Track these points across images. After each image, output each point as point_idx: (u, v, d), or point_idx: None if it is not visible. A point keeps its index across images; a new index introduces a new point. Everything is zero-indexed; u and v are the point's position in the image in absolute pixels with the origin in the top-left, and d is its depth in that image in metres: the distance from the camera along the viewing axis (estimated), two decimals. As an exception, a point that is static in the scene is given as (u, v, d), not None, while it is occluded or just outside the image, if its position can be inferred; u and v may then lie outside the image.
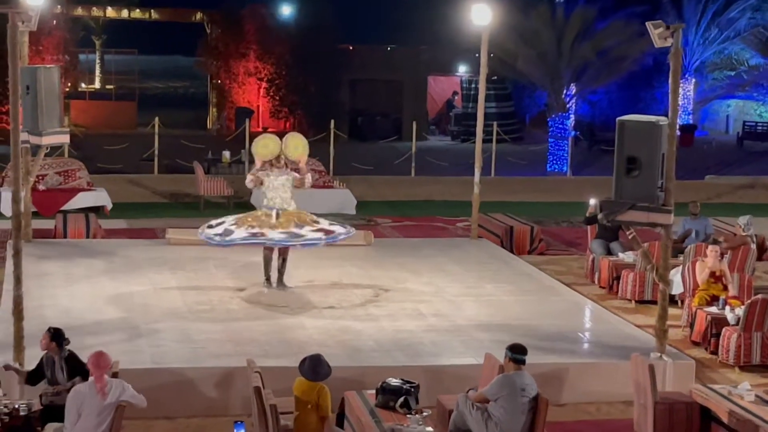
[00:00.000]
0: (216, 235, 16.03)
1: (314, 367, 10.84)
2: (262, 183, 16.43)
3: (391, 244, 21.12)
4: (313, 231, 16.04)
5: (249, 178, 16.65)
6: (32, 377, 11.50)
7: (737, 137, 44.13)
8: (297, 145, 16.67)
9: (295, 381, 10.93)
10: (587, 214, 19.43)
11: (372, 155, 35.52)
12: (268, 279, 16.65)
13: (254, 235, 15.81)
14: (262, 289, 16.56)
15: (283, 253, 16.56)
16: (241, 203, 25.54)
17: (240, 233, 15.89)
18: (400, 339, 14.42)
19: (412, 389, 11.30)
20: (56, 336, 11.30)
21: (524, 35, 34.97)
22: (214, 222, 16.49)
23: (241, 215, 16.49)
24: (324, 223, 16.39)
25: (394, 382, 11.39)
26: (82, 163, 25.91)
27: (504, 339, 12.91)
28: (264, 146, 16.56)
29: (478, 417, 10.74)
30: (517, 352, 10.77)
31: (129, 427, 11.43)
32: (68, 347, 11.38)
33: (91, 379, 10.41)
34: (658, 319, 13.71)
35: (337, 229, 16.32)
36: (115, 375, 10.78)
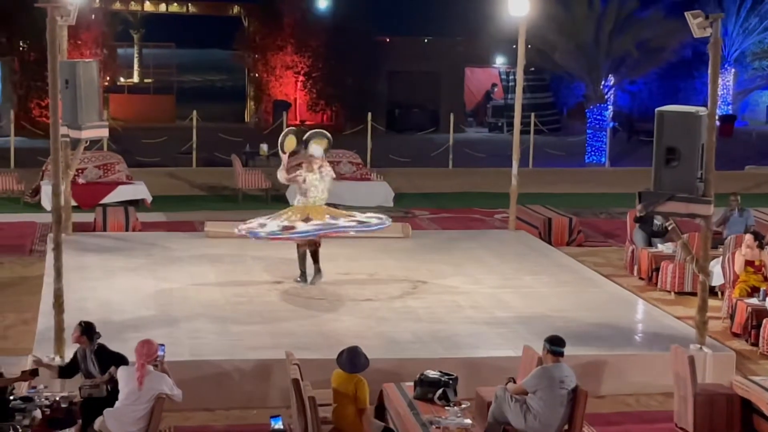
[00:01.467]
0: (250, 228, 16.12)
1: (352, 359, 10.86)
2: (304, 181, 16.37)
3: (429, 236, 21.11)
4: (347, 221, 16.10)
5: (282, 175, 16.60)
6: (65, 371, 11.55)
7: (777, 127, 43.84)
8: (321, 144, 16.58)
9: (333, 373, 10.96)
10: (637, 213, 19.21)
11: (409, 147, 35.50)
12: (303, 274, 16.66)
13: (285, 228, 15.84)
14: (297, 284, 16.59)
15: (314, 244, 16.54)
16: (278, 196, 25.62)
17: (272, 226, 15.95)
18: (438, 331, 14.41)
19: (451, 381, 11.29)
20: (87, 330, 11.34)
21: (562, 26, 34.84)
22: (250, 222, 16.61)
23: (276, 213, 16.55)
24: (358, 216, 16.40)
25: (433, 374, 11.39)
26: (121, 157, 26.08)
27: (542, 331, 12.88)
28: (291, 142, 16.59)
29: (516, 409, 10.72)
30: (555, 344, 10.75)
31: (168, 418, 11.50)
32: (101, 341, 11.41)
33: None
34: (698, 310, 13.63)
35: (372, 220, 16.34)
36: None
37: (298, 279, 16.66)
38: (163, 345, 11.00)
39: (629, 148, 37.84)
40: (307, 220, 15.96)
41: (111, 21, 42.68)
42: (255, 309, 15.34)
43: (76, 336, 11.36)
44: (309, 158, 16.38)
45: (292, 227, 15.89)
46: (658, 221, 18.12)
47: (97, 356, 11.22)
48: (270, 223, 16.12)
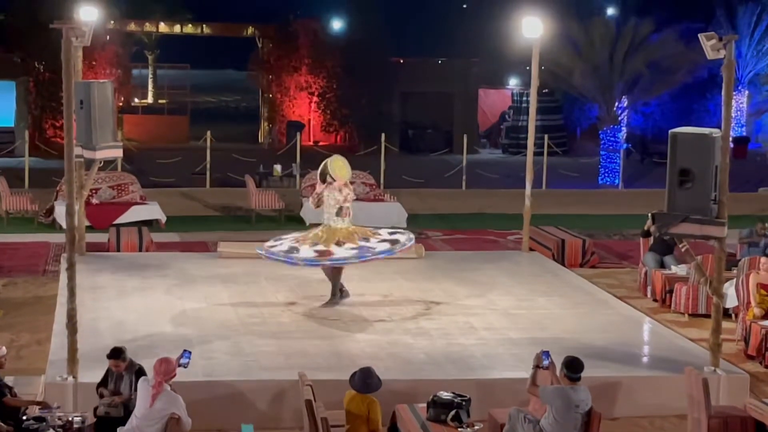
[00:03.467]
0: (282, 252, 16.08)
1: (364, 379, 10.86)
2: (322, 201, 16.44)
3: (442, 257, 21.09)
4: (380, 242, 16.10)
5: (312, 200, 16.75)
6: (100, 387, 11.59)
7: (791, 149, 43.75)
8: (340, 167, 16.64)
9: (345, 394, 10.94)
10: (645, 227, 19.21)
11: (423, 168, 35.54)
12: (341, 290, 16.66)
13: (321, 254, 15.80)
14: (334, 303, 16.55)
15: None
16: (292, 216, 25.64)
17: (306, 252, 15.90)
18: (452, 352, 14.39)
19: (464, 402, 11.27)
20: (117, 355, 11.37)
21: (576, 48, 34.93)
22: (273, 241, 16.60)
23: (300, 234, 16.57)
24: (384, 234, 16.43)
25: (446, 395, 11.37)
26: (135, 177, 26.14)
27: (556, 352, 12.75)
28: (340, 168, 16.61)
29: (530, 430, 10.69)
30: (571, 370, 10.65)
31: (181, 439, 11.48)
32: (129, 355, 11.48)
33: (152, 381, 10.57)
34: (711, 332, 13.60)
35: (401, 237, 16.38)
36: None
37: (334, 299, 16.64)
38: (189, 351, 10.98)
39: (643, 170, 37.81)
40: (339, 243, 15.93)
41: (126, 42, 42.86)
42: (268, 329, 15.34)
43: (119, 366, 11.39)
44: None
45: (329, 252, 15.85)
46: None
47: (137, 378, 11.18)
48: (302, 247, 16.05)
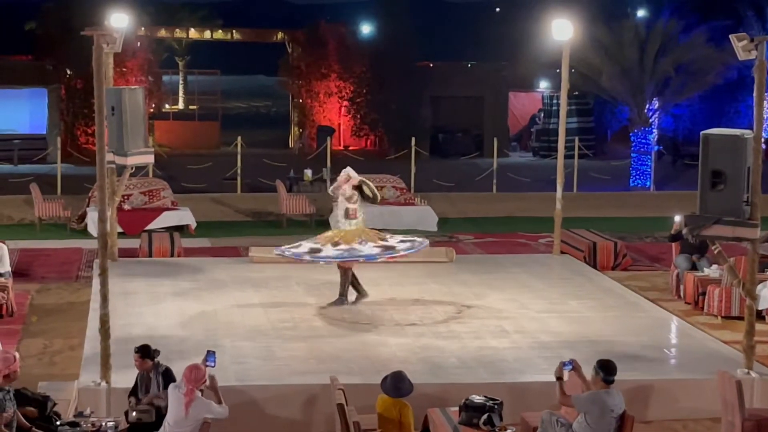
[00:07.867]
0: (287, 248, 16.33)
1: (396, 383, 10.85)
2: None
3: (473, 261, 21.07)
4: (374, 246, 16.11)
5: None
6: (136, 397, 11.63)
7: (825, 150, 43.40)
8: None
9: (377, 398, 10.94)
10: (672, 232, 19.14)
11: (453, 172, 35.48)
12: (359, 293, 16.69)
13: (312, 251, 15.94)
14: (351, 306, 16.60)
15: (347, 268, 16.63)
16: (322, 221, 25.64)
17: (303, 248, 16.09)
18: (483, 356, 14.37)
19: (496, 406, 11.23)
20: (145, 353, 11.43)
21: (606, 50, 34.80)
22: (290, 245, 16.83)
23: (319, 236, 16.69)
24: (391, 240, 16.41)
25: (478, 399, 11.34)
26: (166, 183, 26.23)
27: (588, 356, 12.77)
28: None
29: (562, 434, 10.67)
30: (608, 373, 10.60)
31: (213, 444, 11.51)
32: (162, 361, 11.53)
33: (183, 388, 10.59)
34: (745, 334, 13.53)
35: (399, 245, 16.33)
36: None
37: (351, 302, 16.69)
38: (213, 352, 11.00)
39: (674, 172, 37.65)
40: (335, 244, 16.05)
41: (156, 48, 43.06)
42: (300, 334, 15.36)
43: (139, 363, 11.44)
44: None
45: (319, 251, 16.00)
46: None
47: (164, 379, 11.26)
48: (304, 244, 16.28)
